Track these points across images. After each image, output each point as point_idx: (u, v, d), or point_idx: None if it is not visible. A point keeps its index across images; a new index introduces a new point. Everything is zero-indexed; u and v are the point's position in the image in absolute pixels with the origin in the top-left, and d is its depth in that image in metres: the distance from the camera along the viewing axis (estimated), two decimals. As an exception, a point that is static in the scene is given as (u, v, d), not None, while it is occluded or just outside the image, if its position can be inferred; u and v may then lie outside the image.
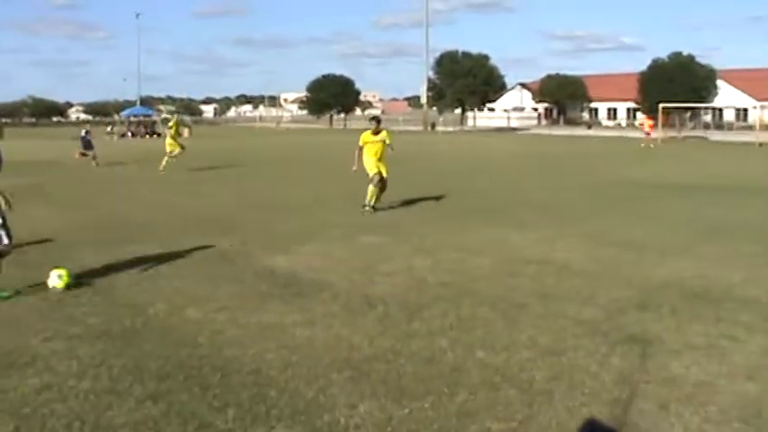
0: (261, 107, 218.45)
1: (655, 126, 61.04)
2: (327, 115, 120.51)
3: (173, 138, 31.28)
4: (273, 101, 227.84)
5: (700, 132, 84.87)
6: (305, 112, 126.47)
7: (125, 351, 7.38)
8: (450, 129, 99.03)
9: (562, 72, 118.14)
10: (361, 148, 18.08)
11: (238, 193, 22.46)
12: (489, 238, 14.07)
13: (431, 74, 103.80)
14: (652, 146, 53.55)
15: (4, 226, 9.61)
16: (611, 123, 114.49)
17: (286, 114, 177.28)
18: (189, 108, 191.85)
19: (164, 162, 30.73)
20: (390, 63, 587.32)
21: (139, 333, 8.03)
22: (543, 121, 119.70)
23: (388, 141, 18.21)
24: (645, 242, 13.74)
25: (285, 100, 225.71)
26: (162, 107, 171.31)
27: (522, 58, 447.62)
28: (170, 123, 33.39)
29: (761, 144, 57.09)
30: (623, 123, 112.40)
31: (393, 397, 6.24)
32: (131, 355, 7.24)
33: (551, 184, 25.06)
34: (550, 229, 15.17)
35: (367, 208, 17.54)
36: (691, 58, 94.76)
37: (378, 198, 17.81)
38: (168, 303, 9.20)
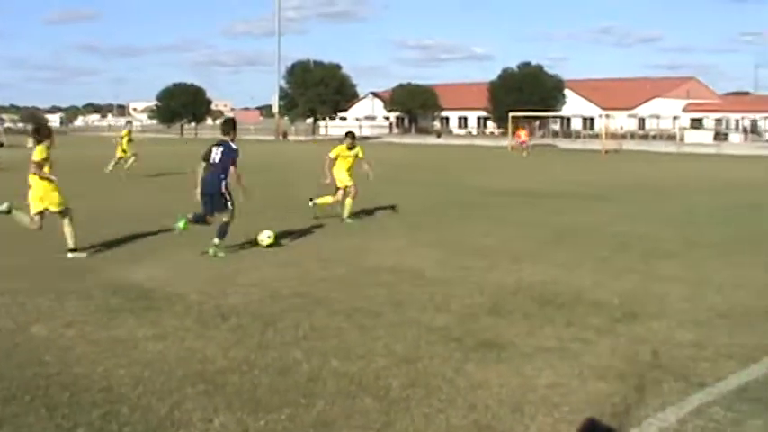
0: (110, 116, 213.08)
1: (523, 134, 62.68)
2: (178, 125, 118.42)
3: (125, 146, 33.10)
4: (122, 110, 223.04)
5: (548, 140, 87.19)
6: (155, 121, 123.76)
7: (-34, 372, 7.05)
8: (302, 138, 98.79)
9: (414, 81, 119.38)
10: (332, 161, 18.08)
11: (84, 203, 21.81)
12: (344, 246, 14.08)
13: (283, 83, 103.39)
14: (525, 154, 54.84)
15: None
16: (462, 132, 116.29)
17: (136, 124, 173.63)
18: (34, 117, 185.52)
19: (128, 164, 32.20)
20: (242, 72, 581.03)
21: (-19, 353, 7.69)
22: (395, 130, 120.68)
23: (361, 156, 18.33)
24: (497, 248, 14.00)
25: (135, 109, 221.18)
26: (5, 116, 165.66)
27: (375, 67, 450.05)
28: (122, 133, 34.44)
29: (606, 151, 59.16)
30: (474, 132, 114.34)
31: (249, 409, 6.14)
32: (-28, 377, 6.91)
33: (404, 192, 25.24)
34: (405, 237, 15.29)
35: (349, 221, 17.66)
36: (539, 68, 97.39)
37: (326, 207, 18.12)
38: (12, 320, 8.85)
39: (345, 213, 17.91)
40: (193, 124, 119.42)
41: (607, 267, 12.35)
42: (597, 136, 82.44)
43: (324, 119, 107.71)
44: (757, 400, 6.49)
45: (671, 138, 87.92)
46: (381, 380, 6.85)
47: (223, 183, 13.40)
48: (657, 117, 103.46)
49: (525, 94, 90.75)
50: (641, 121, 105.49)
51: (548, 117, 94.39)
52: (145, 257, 12.80)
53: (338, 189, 18.01)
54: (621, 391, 6.62)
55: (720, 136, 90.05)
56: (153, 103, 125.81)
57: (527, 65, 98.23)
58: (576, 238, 15.40)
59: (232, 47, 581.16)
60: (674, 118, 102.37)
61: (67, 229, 12.98)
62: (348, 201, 17.96)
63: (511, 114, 72.77)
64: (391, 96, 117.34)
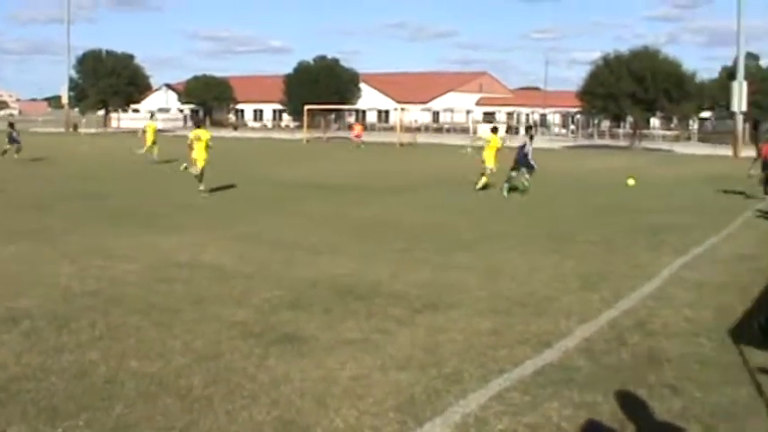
0: None
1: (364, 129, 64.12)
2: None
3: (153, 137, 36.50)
4: None
5: (344, 133, 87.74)
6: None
7: None
8: (94, 130, 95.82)
9: (209, 73, 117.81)
10: (487, 143, 25.11)
11: None
12: (139, 243, 13.69)
13: (73, 73, 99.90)
14: (362, 147, 55.05)
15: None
16: (257, 125, 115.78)
17: None
18: None
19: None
20: (30, 61, 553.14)
21: None
22: (189, 123, 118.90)
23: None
24: (296, 242, 13.97)
25: None
26: None
27: (169, 58, 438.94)
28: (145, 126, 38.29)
29: (402, 144, 60.16)
30: (269, 125, 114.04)
31: (45, 417, 5.87)
32: None
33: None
34: (202, 231, 15.03)
35: (479, 188, 24.12)
36: (335, 61, 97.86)
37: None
38: None
39: (480, 185, 24.29)
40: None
41: (405, 259, 12.54)
42: (392, 129, 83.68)
43: (116, 111, 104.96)
44: (552, 383, 6.73)
45: (464, 131, 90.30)
46: (182, 378, 6.70)
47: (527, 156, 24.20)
48: (451, 110, 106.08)
49: (321, 86, 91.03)
50: (435, 115, 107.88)
51: (343, 110, 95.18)
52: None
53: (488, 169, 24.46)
54: (423, 381, 6.72)
55: (512, 129, 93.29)
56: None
57: (323, 58, 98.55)
58: (374, 231, 15.56)
59: (19, 34, 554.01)
60: (468, 111, 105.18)
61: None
62: (484, 179, 24.40)
63: (306, 107, 72.93)
64: (185, 88, 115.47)
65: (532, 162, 24.25)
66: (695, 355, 7.68)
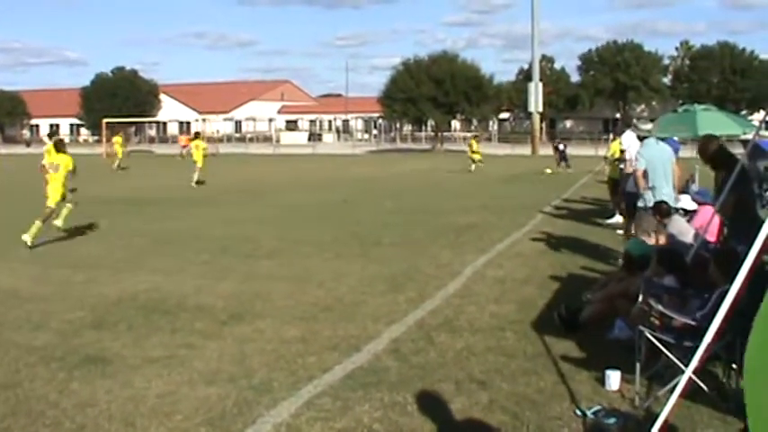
0: None
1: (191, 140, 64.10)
2: None
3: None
4: None
5: (145, 146, 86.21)
6: None
7: None
8: None
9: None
10: (470, 147, 39.68)
11: None
12: None
13: None
14: (181, 158, 54.03)
15: None
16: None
17: None
18: None
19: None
20: None
21: None
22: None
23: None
24: (97, 260, 13.55)
25: None
26: None
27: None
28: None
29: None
30: (67, 140, 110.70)
31: None
32: None
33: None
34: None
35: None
36: (134, 72, 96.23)
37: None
38: None
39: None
40: None
41: (209, 271, 12.38)
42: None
43: None
44: (362, 386, 6.78)
45: (267, 139, 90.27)
46: (-23, 414, 6.36)
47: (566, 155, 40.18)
48: (254, 120, 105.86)
49: (120, 99, 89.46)
50: (238, 124, 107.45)
51: (144, 122, 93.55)
52: None
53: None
54: (233, 393, 6.64)
55: (315, 136, 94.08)
56: None
57: (121, 69, 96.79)
58: (177, 244, 15.28)
59: None
60: (270, 120, 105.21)
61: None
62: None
63: (105, 121, 71.30)
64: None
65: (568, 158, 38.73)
66: (500, 348, 7.91)
